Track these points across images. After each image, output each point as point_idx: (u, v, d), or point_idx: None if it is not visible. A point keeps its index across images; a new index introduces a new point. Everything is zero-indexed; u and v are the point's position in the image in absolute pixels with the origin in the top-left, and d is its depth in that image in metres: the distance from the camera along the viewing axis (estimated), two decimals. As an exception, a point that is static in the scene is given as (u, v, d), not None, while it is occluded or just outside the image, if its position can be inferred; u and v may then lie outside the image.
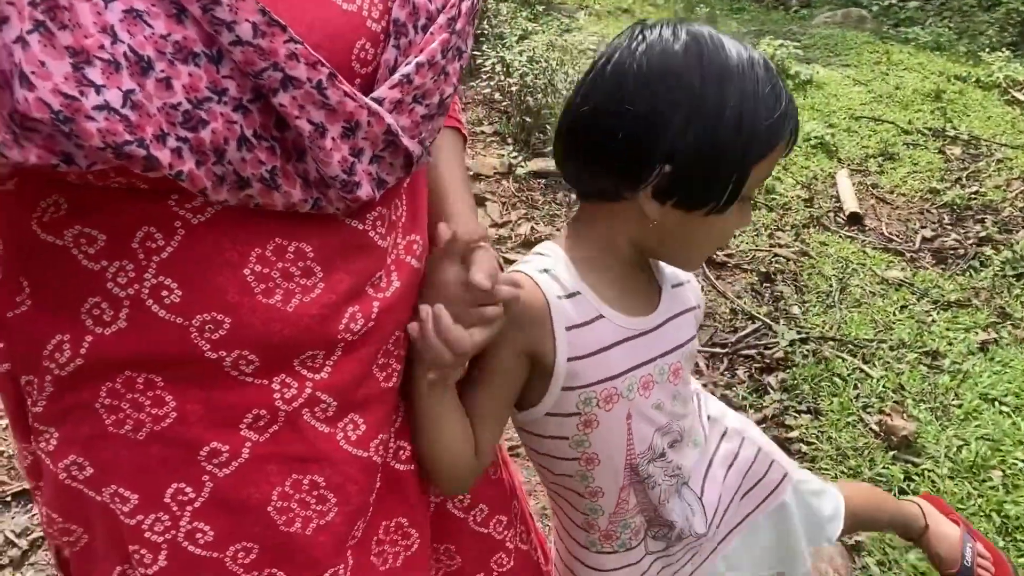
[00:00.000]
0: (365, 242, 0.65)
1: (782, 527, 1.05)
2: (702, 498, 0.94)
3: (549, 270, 0.79)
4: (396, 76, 0.59)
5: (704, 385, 2.28)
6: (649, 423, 0.85)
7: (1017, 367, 2.36)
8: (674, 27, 0.74)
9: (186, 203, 0.57)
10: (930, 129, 4.24)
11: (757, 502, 1.03)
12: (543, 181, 3.41)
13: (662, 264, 0.89)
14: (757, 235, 3.21)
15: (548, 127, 3.72)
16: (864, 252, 3.11)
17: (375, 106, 0.58)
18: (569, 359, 0.78)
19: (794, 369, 2.34)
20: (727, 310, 2.70)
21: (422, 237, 0.74)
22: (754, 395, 2.25)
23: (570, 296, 0.79)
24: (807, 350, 2.43)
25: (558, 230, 3.03)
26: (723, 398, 2.22)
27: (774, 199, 3.49)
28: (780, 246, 3.15)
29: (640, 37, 0.74)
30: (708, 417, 1.01)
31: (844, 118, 4.36)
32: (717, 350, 2.45)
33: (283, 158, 0.56)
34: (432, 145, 0.68)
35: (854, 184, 3.64)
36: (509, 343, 0.77)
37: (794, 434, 2.09)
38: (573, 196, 3.30)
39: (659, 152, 0.72)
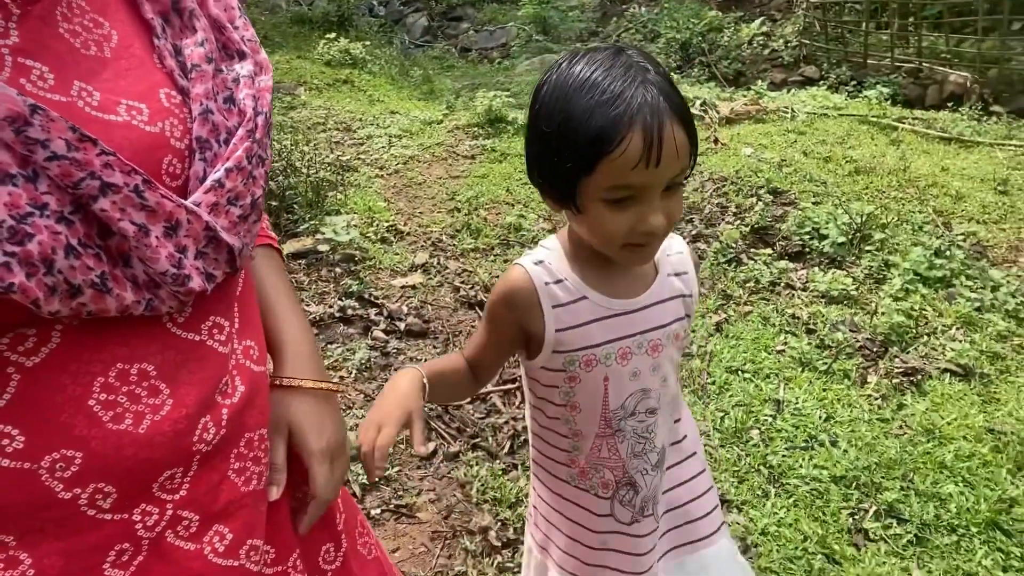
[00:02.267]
0: (205, 352, 0.68)
1: None
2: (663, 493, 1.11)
3: (542, 261, 1.00)
4: (208, 182, 0.65)
5: (504, 422, 2.40)
6: (624, 386, 1.02)
7: (747, 338, 2.80)
8: (558, 64, 0.91)
9: (18, 346, 0.57)
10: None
11: (685, 540, 1.14)
12: (303, 261, 3.37)
13: (667, 256, 1.06)
14: (517, 271, 3.45)
15: (296, 207, 3.69)
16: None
17: (191, 205, 0.62)
18: (557, 330, 0.99)
19: (578, 386, 2.56)
20: (508, 347, 2.87)
21: (257, 342, 0.77)
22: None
23: (557, 282, 0.99)
24: (585, 366, 2.66)
25: (330, 307, 3.02)
26: (525, 430, 2.36)
27: (523, 235, 3.78)
28: (539, 277, 3.41)
29: (545, 76, 0.92)
30: (684, 437, 1.14)
31: (563, 152, 4.85)
32: (509, 386, 2.60)
33: (110, 264, 0.58)
34: (252, 248, 0.72)
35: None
36: (506, 320, 1.01)
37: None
38: (338, 270, 3.30)
39: (531, 162, 0.95)
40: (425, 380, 0.99)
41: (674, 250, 1.09)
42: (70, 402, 0.59)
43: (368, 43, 7.58)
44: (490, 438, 2.33)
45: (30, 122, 0.52)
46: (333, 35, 7.19)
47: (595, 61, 0.87)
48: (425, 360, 2.79)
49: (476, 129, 5.35)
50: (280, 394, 0.81)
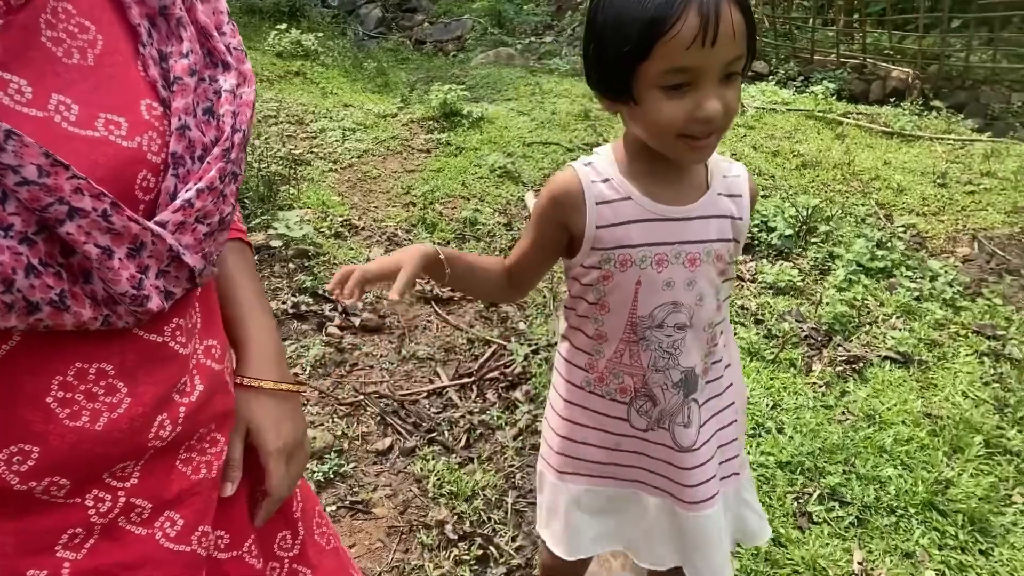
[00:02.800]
0: (166, 353, 0.69)
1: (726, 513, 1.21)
2: (703, 426, 1.13)
3: (591, 162, 1.05)
4: (178, 201, 0.66)
5: (461, 416, 2.42)
6: (656, 294, 1.05)
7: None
8: None
9: None
10: (588, 144, 4.92)
11: (723, 475, 1.20)
12: (256, 257, 3.31)
13: (718, 174, 1.07)
14: (472, 266, 3.46)
15: (247, 202, 3.63)
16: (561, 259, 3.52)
17: (157, 228, 0.64)
18: (598, 227, 1.03)
19: (534, 379, 2.59)
20: (464, 341, 2.89)
21: (219, 341, 0.79)
22: (507, 412, 2.44)
23: (605, 181, 1.03)
24: (540, 359, 2.69)
25: (284, 303, 2.99)
26: (481, 423, 2.38)
27: (479, 229, 3.79)
28: (494, 271, 3.43)
29: None
30: (721, 378, 1.18)
31: (519, 146, 4.87)
32: (465, 380, 2.61)
33: (70, 281, 0.59)
34: (219, 258, 0.74)
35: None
36: (552, 218, 1.05)
37: (548, 437, 2.32)
38: (291, 266, 3.27)
39: (589, 60, 0.96)
40: (442, 255, 1.05)
41: (732, 172, 1.09)
42: (27, 399, 0.60)
43: (321, 34, 7.46)
44: (446, 432, 2.34)
45: (3, 147, 0.53)
46: (284, 26, 7.05)
47: None
48: (381, 356, 2.79)
49: (431, 123, 5.33)
50: (241, 393, 0.82)
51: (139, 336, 0.67)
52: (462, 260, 1.10)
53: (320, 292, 3.10)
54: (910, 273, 3.18)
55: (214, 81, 0.71)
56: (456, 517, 2.01)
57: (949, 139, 4.99)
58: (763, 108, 5.54)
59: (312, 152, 4.77)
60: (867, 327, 2.85)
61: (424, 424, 2.39)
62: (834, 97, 6.01)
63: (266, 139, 4.59)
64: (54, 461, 0.62)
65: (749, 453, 2.18)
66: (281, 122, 5.22)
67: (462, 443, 2.30)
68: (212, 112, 0.70)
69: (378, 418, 2.42)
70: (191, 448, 0.74)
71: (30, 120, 0.57)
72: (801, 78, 6.68)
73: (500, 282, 1.16)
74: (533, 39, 8.80)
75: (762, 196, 3.99)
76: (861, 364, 2.59)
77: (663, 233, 1.04)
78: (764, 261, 3.38)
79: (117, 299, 0.61)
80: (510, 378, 2.61)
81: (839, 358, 2.63)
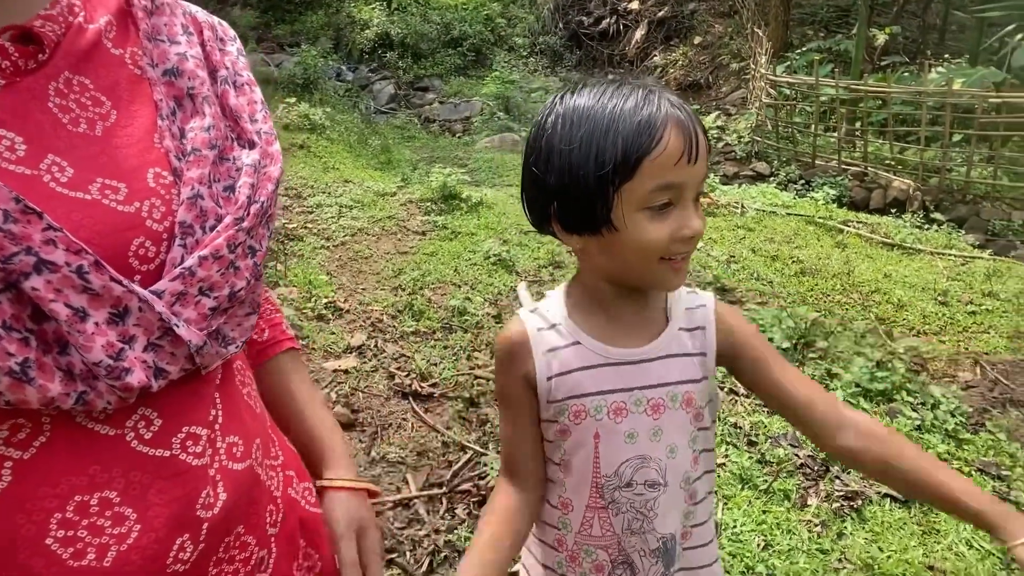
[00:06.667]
0: (178, 467, 0.63)
1: None
2: None
3: (537, 308, 0.99)
4: (177, 269, 0.61)
5: (426, 535, 2.24)
6: (619, 449, 0.94)
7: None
8: (559, 96, 0.90)
9: None
10: (585, 237, 4.87)
11: None
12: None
13: (678, 308, 0.98)
14: (456, 359, 3.33)
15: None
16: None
17: (144, 293, 0.59)
18: (548, 377, 0.95)
19: (509, 495, 2.41)
20: (439, 444, 2.72)
21: (241, 435, 0.72)
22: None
23: (551, 327, 0.96)
24: (517, 472, 2.53)
25: (253, 391, 2.84)
26: (447, 544, 2.19)
27: (467, 320, 3.67)
28: (479, 367, 3.30)
29: (546, 111, 0.91)
30: (708, 544, 1.03)
31: (515, 234, 4.81)
32: (435, 491, 2.44)
33: (40, 350, 0.54)
34: (241, 343, 0.70)
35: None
36: (510, 375, 0.97)
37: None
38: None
39: (547, 194, 0.88)
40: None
41: (695, 303, 0.99)
42: (26, 543, 0.56)
43: (330, 108, 7.57)
44: (408, 553, 2.16)
45: None
46: (293, 99, 7.14)
47: (601, 84, 0.88)
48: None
49: (429, 204, 5.30)
50: (340, 495, 0.86)
51: (143, 453, 0.61)
52: (501, 556, 0.94)
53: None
54: (911, 399, 3.04)
55: (237, 159, 0.70)
56: (408, 658, 1.81)
57: (950, 255, 4.95)
58: (763, 210, 5.52)
59: (306, 227, 4.72)
60: (866, 457, 2.69)
61: (386, 541, 2.21)
62: (835, 204, 6.02)
63: (260, 212, 4.52)
64: None
65: (736, 600, 2.00)
66: (278, 195, 5.19)
67: (423, 567, 2.11)
68: (232, 188, 0.68)
69: (337, 530, 2.24)
70: (220, 561, 0.68)
71: (14, 176, 0.56)
72: (802, 181, 6.72)
73: (521, 508, 0.98)
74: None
75: (758, 304, 3.90)
76: (859, 502, 2.42)
77: (618, 378, 0.94)
78: (759, 375, 3.25)
79: (93, 371, 0.56)
80: (483, 492, 2.44)
81: (836, 493, 2.46)
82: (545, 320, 0.97)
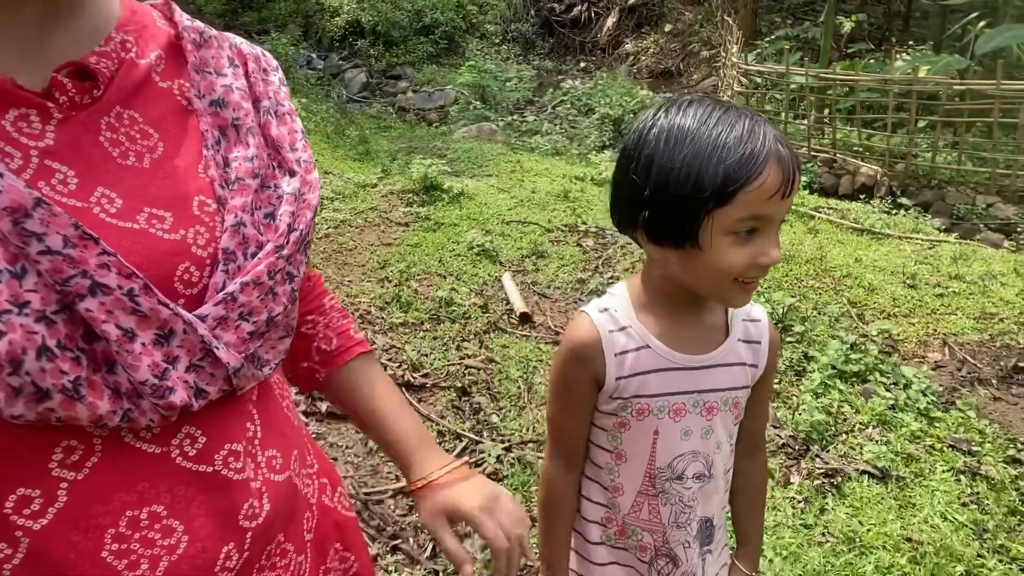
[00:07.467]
0: (220, 482, 0.67)
1: None
2: None
3: (607, 308, 1.02)
4: (220, 294, 0.64)
5: (417, 528, 2.30)
6: (674, 445, 1.03)
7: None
8: (663, 109, 0.94)
9: (23, 509, 0.57)
10: (566, 225, 4.94)
11: None
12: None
13: (737, 319, 1.05)
14: (447, 350, 3.38)
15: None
16: (539, 348, 3.46)
17: (189, 316, 0.62)
18: (617, 377, 1.00)
19: (505, 481, 2.49)
20: (434, 433, 2.78)
21: (280, 449, 0.75)
22: (476, 517, 2.33)
23: (621, 329, 1.01)
24: (512, 458, 2.60)
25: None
26: (449, 530, 2.26)
27: (454, 310, 3.73)
28: (468, 356, 3.36)
29: (649, 122, 0.94)
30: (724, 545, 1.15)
31: (497, 224, 4.87)
32: (433, 479, 2.50)
33: (91, 369, 0.57)
34: (275, 364, 0.73)
35: (517, 284, 4.06)
36: (579, 378, 1.02)
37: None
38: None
39: (641, 203, 0.92)
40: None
41: (753, 316, 1.07)
42: (83, 557, 0.60)
43: (304, 99, 7.51)
44: (411, 539, 2.23)
45: (30, 214, 0.53)
46: (268, 89, 7.09)
47: (705, 105, 0.90)
48: (347, 448, 2.67)
49: (411, 195, 5.32)
50: (426, 493, 0.88)
51: (188, 469, 0.65)
52: (561, 543, 1.13)
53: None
54: (884, 380, 3.17)
55: (278, 187, 0.72)
56: (418, 639, 1.88)
57: (918, 239, 5.11)
58: (738, 198, 5.64)
59: (288, 220, 4.71)
60: (844, 436, 2.81)
61: (388, 529, 2.27)
62: (806, 190, 6.16)
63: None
64: None
65: None
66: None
67: (427, 552, 2.19)
68: (273, 216, 0.71)
69: (340, 519, 2.29)
70: (263, 568, 0.72)
71: (66, 208, 0.58)
72: (774, 168, 6.86)
73: (575, 488, 1.12)
74: (515, 116, 8.95)
75: (738, 290, 4.01)
76: (839, 478, 2.54)
77: (682, 382, 1.02)
78: (740, 359, 3.36)
79: (139, 390, 0.59)
80: (481, 478, 2.51)
81: (817, 470, 2.58)
82: (615, 322, 1.01)
